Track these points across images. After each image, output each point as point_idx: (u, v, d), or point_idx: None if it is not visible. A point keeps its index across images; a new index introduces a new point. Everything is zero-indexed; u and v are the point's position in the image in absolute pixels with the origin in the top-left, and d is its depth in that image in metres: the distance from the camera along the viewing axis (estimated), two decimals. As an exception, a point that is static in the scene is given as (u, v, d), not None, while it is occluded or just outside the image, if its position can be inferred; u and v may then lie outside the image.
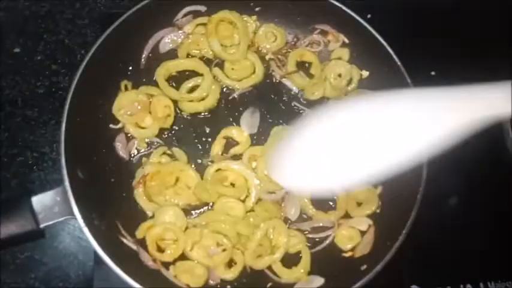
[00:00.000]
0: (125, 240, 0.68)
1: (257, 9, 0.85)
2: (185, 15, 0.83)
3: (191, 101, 0.80)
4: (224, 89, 0.83)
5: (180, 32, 0.83)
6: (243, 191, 0.74)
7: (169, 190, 0.72)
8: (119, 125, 0.77)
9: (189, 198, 0.72)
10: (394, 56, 0.76)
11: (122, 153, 0.77)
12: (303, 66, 0.85)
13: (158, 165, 0.74)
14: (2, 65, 0.87)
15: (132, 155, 0.77)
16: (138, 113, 0.76)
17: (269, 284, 0.70)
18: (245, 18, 0.84)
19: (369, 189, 0.75)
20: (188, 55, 0.83)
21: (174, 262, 0.69)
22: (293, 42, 0.86)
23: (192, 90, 0.81)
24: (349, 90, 0.82)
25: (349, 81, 0.82)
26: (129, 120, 0.76)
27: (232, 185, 0.75)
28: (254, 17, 0.85)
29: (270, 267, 0.71)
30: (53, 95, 0.87)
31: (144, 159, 0.77)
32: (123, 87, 0.78)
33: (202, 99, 0.80)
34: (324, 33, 0.85)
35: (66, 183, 0.63)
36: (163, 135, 0.79)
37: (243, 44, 0.81)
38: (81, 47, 0.90)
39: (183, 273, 0.68)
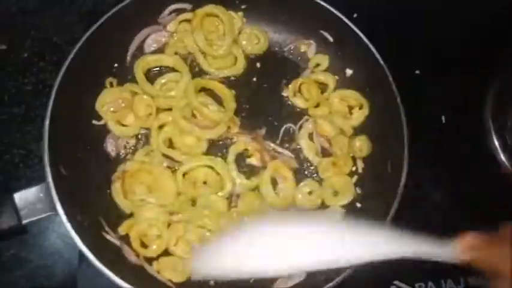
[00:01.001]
0: (108, 237, 0.69)
1: (242, 7, 0.85)
2: (170, 13, 0.83)
3: None
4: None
5: (163, 31, 0.83)
6: (218, 185, 0.74)
7: (145, 190, 0.72)
8: (102, 122, 0.77)
9: (163, 201, 0.72)
10: (378, 56, 0.77)
11: (111, 150, 0.77)
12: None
13: (139, 164, 0.74)
14: (-11, 62, 0.88)
15: (121, 153, 0.77)
16: (121, 110, 0.76)
17: (252, 279, 0.71)
18: (231, 14, 0.84)
19: (344, 179, 0.77)
20: (176, 53, 0.83)
21: (157, 258, 0.69)
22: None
23: (164, 85, 0.81)
24: (325, 96, 0.83)
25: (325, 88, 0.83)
26: (111, 117, 0.76)
27: (205, 183, 0.75)
28: (240, 13, 0.85)
29: None
30: (40, 92, 0.86)
31: (129, 156, 0.77)
32: (108, 84, 0.78)
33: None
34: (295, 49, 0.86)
35: (49, 179, 0.63)
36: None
37: (228, 39, 0.82)
38: (68, 44, 0.89)
39: (166, 268, 0.68)
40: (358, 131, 0.81)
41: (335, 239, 0.50)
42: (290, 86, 0.83)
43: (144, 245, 0.70)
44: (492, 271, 0.44)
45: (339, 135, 0.79)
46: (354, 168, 0.79)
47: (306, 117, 0.81)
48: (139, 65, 0.80)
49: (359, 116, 0.81)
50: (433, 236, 0.50)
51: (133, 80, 0.80)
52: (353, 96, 0.82)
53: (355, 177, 0.79)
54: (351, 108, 0.82)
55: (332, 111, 0.81)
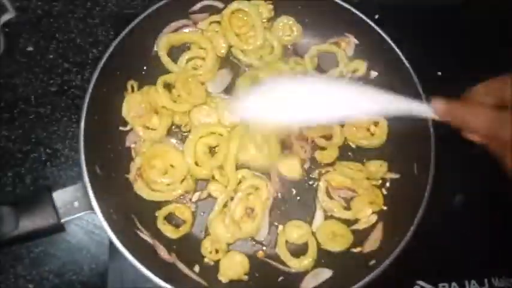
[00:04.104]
0: (141, 234, 0.70)
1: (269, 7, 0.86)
2: (202, 10, 0.83)
3: None
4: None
5: (194, 27, 0.83)
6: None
7: (158, 173, 0.74)
8: (128, 127, 0.77)
9: (180, 176, 0.74)
10: (402, 57, 0.78)
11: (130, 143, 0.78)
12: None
13: (145, 153, 0.74)
14: (16, 64, 0.89)
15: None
16: (145, 114, 0.76)
17: (280, 278, 0.72)
18: (260, 8, 0.84)
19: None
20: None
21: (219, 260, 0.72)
22: None
23: (188, 62, 0.82)
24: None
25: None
26: (138, 122, 0.76)
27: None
28: (270, 6, 0.85)
29: (279, 258, 0.73)
30: (65, 93, 0.88)
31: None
32: (129, 87, 0.78)
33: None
34: (336, 44, 0.86)
35: (86, 179, 0.65)
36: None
37: (259, 31, 0.82)
38: (92, 46, 0.92)
39: (228, 270, 0.71)
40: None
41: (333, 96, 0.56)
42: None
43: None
44: (465, 128, 0.52)
45: (357, 178, 0.77)
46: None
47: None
48: (161, 45, 0.80)
49: (380, 132, 0.79)
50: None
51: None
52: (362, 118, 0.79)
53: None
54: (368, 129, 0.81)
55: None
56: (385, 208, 0.76)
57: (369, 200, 0.75)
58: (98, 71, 0.71)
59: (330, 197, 0.77)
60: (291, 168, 0.77)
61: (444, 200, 0.82)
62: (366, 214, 0.75)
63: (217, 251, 0.72)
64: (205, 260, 0.73)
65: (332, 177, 0.77)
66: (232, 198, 0.74)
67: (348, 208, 0.77)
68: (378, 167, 0.78)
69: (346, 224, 0.76)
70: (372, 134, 0.81)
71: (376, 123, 0.81)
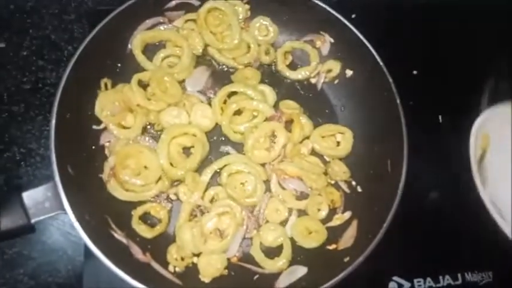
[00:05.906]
0: (115, 235, 0.69)
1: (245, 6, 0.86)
2: (177, 7, 0.83)
3: None
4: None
5: (170, 25, 0.83)
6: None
7: (131, 174, 0.73)
8: (102, 126, 0.76)
9: (153, 178, 0.73)
10: (377, 56, 0.79)
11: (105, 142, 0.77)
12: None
13: (118, 153, 0.73)
14: (-13, 61, 0.87)
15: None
16: (120, 113, 0.75)
17: (256, 276, 0.72)
18: (235, 6, 0.84)
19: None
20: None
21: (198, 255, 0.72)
22: None
23: (164, 60, 0.82)
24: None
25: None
26: (112, 120, 0.75)
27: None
28: (247, 6, 0.85)
29: (254, 260, 0.73)
30: (40, 90, 0.87)
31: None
32: (103, 85, 0.77)
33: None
34: (311, 42, 0.87)
35: (57, 178, 0.64)
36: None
37: (235, 30, 0.82)
38: (67, 42, 0.90)
39: (208, 269, 0.70)
40: (355, 133, 0.81)
41: None
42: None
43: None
44: None
45: (311, 168, 0.76)
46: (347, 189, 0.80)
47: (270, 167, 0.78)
48: (136, 44, 0.79)
49: (346, 143, 0.80)
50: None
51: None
52: (329, 128, 0.81)
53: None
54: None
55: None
56: (360, 204, 0.77)
57: (328, 198, 0.76)
58: (69, 68, 0.70)
59: (283, 188, 0.77)
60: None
61: (418, 197, 0.84)
62: (324, 212, 0.75)
63: (182, 259, 0.71)
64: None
65: (284, 167, 0.76)
66: (200, 208, 0.74)
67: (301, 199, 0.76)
68: (342, 169, 0.78)
69: (320, 221, 0.76)
70: (338, 144, 0.81)
71: (342, 133, 0.81)
